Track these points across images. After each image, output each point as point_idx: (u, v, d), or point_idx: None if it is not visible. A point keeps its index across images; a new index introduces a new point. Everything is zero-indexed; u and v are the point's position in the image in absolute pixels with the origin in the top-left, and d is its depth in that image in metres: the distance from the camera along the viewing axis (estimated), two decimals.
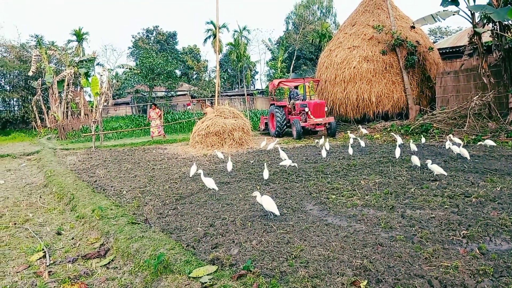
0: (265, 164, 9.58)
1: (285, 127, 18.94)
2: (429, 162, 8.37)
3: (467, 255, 4.34)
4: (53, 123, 30.44)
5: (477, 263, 4.13)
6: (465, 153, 9.65)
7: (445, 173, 8.04)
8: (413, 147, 10.97)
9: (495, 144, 11.22)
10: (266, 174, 8.82)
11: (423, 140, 13.08)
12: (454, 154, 10.21)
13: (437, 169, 8.07)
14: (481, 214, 5.67)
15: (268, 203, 5.87)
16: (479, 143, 12.15)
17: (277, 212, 5.89)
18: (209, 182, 7.84)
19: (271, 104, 20.40)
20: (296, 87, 21.17)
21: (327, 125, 18.27)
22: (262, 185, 8.45)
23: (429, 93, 19.88)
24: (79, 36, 52.75)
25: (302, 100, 19.45)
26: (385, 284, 3.82)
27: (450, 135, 11.94)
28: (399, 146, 11.01)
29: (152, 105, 22.31)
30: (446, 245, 4.67)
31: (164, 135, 21.69)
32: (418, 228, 5.24)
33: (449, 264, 4.12)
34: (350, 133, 15.49)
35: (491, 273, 3.89)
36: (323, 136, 16.51)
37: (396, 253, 4.49)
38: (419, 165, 9.11)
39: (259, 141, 17.87)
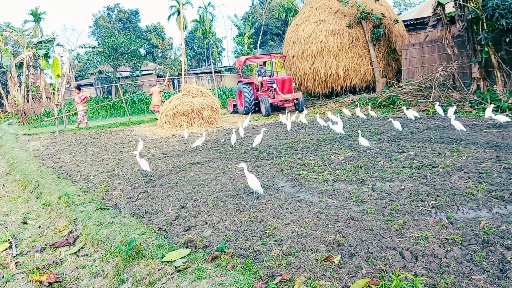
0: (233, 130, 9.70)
1: (253, 104, 18.78)
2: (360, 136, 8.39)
3: (436, 225, 4.43)
4: (14, 107, 29.30)
5: (446, 233, 4.22)
6: (364, 142, 8.34)
7: (370, 146, 8.23)
8: (397, 125, 10.16)
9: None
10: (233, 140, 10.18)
11: (372, 113, 13.19)
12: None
13: (364, 143, 8.17)
14: (448, 183, 5.80)
15: (253, 181, 5.78)
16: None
17: (261, 191, 5.84)
18: (144, 164, 7.70)
19: (239, 81, 20.21)
20: (264, 64, 20.92)
21: (295, 100, 18.22)
22: (233, 164, 8.39)
23: (395, 66, 20.11)
24: (36, 16, 50.41)
25: (270, 77, 19.26)
26: (358, 258, 3.86)
27: (404, 108, 12.20)
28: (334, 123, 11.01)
29: (76, 89, 21.01)
30: (416, 216, 4.76)
31: (87, 123, 20.26)
32: (388, 201, 5.32)
33: (419, 235, 4.20)
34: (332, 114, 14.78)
35: (460, 242, 3.98)
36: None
37: (368, 226, 4.54)
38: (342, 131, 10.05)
39: (228, 119, 17.76)
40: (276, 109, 18.84)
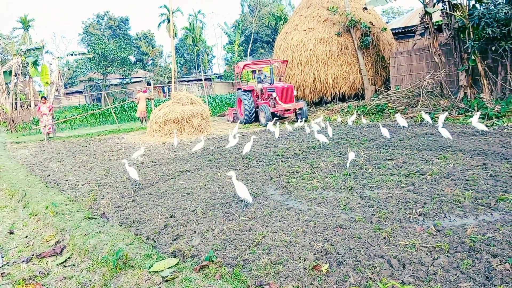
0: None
1: (254, 113, 17.79)
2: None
3: (423, 233, 4.46)
4: (2, 115, 28.99)
5: (433, 240, 4.25)
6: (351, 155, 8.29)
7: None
8: (385, 132, 10.17)
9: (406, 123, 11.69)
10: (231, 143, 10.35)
11: (364, 121, 13.32)
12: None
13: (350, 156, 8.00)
14: (435, 191, 5.85)
15: (242, 190, 5.78)
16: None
17: (250, 200, 5.83)
18: (132, 172, 7.67)
19: (238, 89, 19.20)
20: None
21: (297, 110, 17.25)
22: (223, 172, 8.38)
23: (383, 73, 20.29)
24: (25, 23, 50.21)
25: (270, 84, 18.12)
26: (346, 266, 3.87)
27: (398, 114, 12.30)
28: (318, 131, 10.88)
29: (42, 98, 19.74)
30: (403, 223, 4.79)
31: (53, 133, 19.48)
32: (377, 208, 5.35)
33: (407, 243, 4.22)
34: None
35: (447, 249, 4.01)
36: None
37: (356, 234, 4.56)
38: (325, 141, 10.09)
39: (218, 127, 17.75)
40: (277, 117, 17.57)
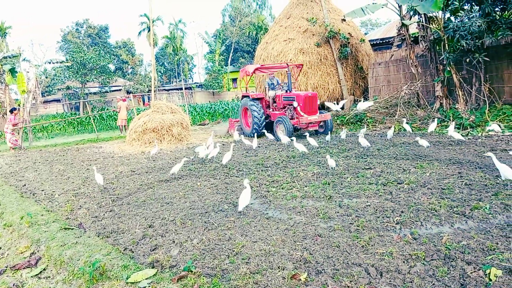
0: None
1: (264, 124, 15.12)
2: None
3: (400, 241, 4.52)
4: None
5: (410, 248, 4.31)
6: (332, 163, 8.36)
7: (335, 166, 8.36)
8: (364, 142, 10.42)
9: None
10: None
11: (363, 130, 13.51)
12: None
13: (331, 163, 8.29)
14: (412, 200, 5.94)
15: (244, 197, 5.82)
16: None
17: (240, 208, 5.83)
18: (98, 178, 8.19)
19: (244, 97, 16.32)
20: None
21: (321, 123, 14.72)
22: (203, 181, 8.35)
23: (362, 84, 20.62)
24: (2, 31, 49.35)
25: (287, 91, 15.17)
26: (324, 275, 3.89)
27: (390, 129, 12.58)
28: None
29: (14, 111, 18.22)
30: (381, 232, 4.84)
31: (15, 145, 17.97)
32: (355, 217, 5.40)
33: (384, 251, 4.27)
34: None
35: (423, 257, 4.07)
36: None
37: (334, 243, 4.59)
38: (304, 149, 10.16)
39: (198, 136, 17.68)
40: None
